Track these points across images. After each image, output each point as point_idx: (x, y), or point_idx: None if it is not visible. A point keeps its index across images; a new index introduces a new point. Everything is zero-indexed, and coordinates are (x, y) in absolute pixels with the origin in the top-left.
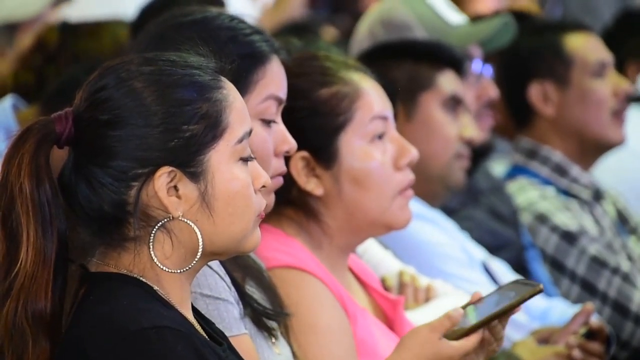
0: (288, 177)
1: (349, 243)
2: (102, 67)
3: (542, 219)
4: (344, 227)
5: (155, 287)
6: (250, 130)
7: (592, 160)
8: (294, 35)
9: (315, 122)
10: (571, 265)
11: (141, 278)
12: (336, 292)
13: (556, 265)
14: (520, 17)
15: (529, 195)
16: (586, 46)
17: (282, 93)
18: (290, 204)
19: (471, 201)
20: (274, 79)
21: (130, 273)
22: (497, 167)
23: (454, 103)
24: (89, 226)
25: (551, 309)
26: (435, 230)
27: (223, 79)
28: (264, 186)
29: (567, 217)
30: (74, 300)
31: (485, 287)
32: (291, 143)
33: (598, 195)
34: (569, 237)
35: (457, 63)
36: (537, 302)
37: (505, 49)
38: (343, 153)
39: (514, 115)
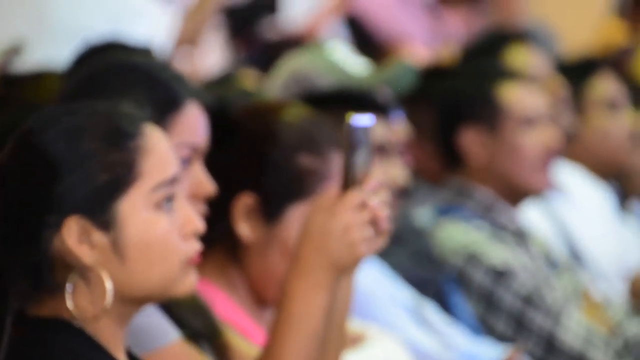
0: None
1: None
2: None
3: (473, 261)
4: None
5: (87, 331)
6: (175, 176)
7: (518, 203)
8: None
9: None
10: (506, 306)
11: (73, 322)
12: None
13: (490, 307)
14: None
15: (459, 238)
16: (519, 96)
17: (198, 139)
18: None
19: (391, 244)
20: (188, 125)
21: (62, 317)
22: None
23: (381, 149)
24: (18, 271)
25: (478, 349)
26: (363, 274)
27: (145, 125)
28: (195, 231)
29: (501, 253)
30: (6, 343)
31: (413, 329)
32: (209, 187)
33: (524, 233)
34: (502, 278)
35: (382, 109)
36: (464, 342)
37: (440, 92)
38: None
39: (444, 157)
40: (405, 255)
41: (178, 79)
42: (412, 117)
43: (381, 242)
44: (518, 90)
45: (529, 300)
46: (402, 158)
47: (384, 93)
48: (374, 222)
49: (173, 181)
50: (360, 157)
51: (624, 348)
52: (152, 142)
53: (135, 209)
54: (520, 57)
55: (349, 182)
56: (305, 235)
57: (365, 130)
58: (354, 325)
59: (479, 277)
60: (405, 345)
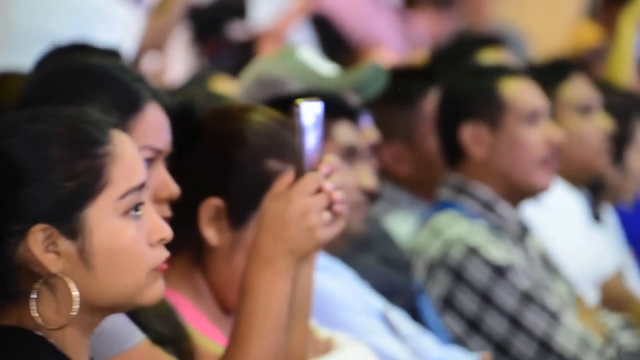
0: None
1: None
2: None
3: (473, 252)
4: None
5: (51, 340)
6: (143, 183)
7: (519, 202)
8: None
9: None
10: (500, 300)
11: (37, 331)
12: None
13: (485, 300)
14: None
15: (459, 228)
16: (521, 92)
17: (160, 142)
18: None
19: (360, 249)
20: (150, 128)
21: (26, 327)
22: (400, 221)
23: (351, 153)
24: None
25: (449, 358)
26: (333, 280)
27: (113, 132)
28: (162, 239)
29: (498, 250)
30: None
31: (385, 337)
32: (171, 189)
33: (525, 232)
34: (500, 271)
35: (351, 112)
36: (435, 350)
37: (441, 89)
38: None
39: (445, 153)
40: (374, 260)
41: (138, 80)
42: (383, 119)
43: (338, 227)
44: (520, 86)
45: (526, 297)
46: (371, 162)
47: (352, 97)
48: (330, 207)
49: (141, 188)
50: (311, 143)
51: (617, 356)
52: (120, 149)
53: (102, 217)
54: (492, 61)
55: (301, 168)
56: (262, 225)
57: (314, 116)
58: (323, 332)
59: (477, 270)
60: (374, 353)
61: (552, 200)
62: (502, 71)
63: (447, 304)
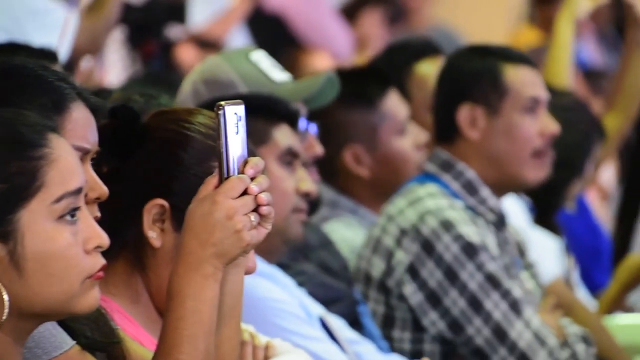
0: None
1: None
2: None
3: (447, 225)
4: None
5: None
6: (80, 188)
7: (503, 191)
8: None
9: None
10: (465, 277)
11: None
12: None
13: (449, 275)
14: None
15: (438, 201)
16: (524, 80)
17: (87, 142)
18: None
19: (301, 256)
20: (75, 128)
21: None
22: (341, 228)
23: (290, 157)
24: None
25: None
26: (273, 286)
27: (51, 136)
28: (99, 246)
29: (472, 230)
30: None
31: (325, 344)
32: (101, 189)
33: (502, 221)
34: (470, 249)
35: (291, 117)
36: (376, 358)
37: (443, 67)
38: None
39: (437, 130)
40: (314, 267)
41: (62, 80)
42: (343, 121)
43: (265, 229)
44: (523, 73)
45: (491, 280)
46: (313, 172)
47: (297, 104)
48: (256, 209)
49: (78, 193)
50: (235, 145)
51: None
52: (57, 153)
53: (36, 220)
54: (431, 70)
55: (226, 170)
56: (188, 228)
57: (238, 118)
58: (262, 338)
59: (447, 243)
60: (313, 359)
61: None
62: (507, 56)
63: (411, 272)
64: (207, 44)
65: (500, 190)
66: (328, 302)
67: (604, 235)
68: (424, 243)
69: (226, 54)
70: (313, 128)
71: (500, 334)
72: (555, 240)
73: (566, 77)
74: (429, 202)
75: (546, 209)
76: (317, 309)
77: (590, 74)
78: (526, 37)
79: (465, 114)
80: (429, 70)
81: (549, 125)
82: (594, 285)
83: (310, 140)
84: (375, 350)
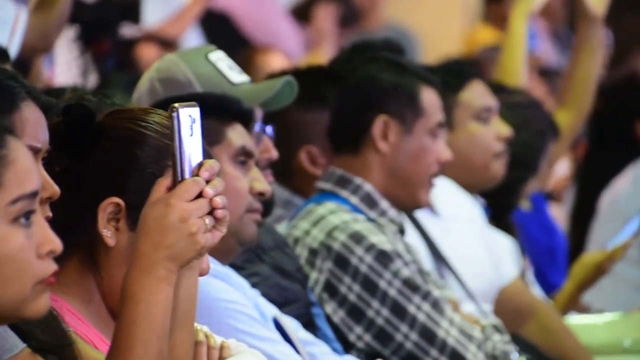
0: None
1: None
2: None
3: (356, 237)
4: None
5: None
6: (36, 192)
7: (399, 207)
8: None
9: None
10: (384, 286)
11: None
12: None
13: (368, 286)
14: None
15: (341, 217)
16: (435, 104)
17: (38, 141)
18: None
19: (255, 257)
20: (26, 127)
21: None
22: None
23: (244, 156)
24: None
25: None
26: (227, 287)
27: (9, 137)
28: (52, 251)
29: (382, 239)
30: None
31: (279, 345)
32: (52, 189)
33: (403, 231)
34: (384, 257)
35: (245, 116)
36: (328, 359)
37: (359, 75)
38: None
39: (345, 137)
40: (268, 268)
41: (12, 78)
42: (299, 121)
43: (220, 233)
44: (434, 96)
45: (409, 284)
46: (267, 173)
47: (251, 105)
48: (211, 212)
49: (34, 196)
50: (190, 147)
51: (492, 352)
52: (14, 155)
53: None
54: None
55: (180, 172)
56: (141, 231)
57: (193, 119)
58: (217, 339)
59: (360, 255)
60: None
61: (450, 209)
62: (425, 77)
63: (329, 290)
64: (167, 42)
65: (395, 204)
66: (282, 304)
67: (559, 235)
68: (336, 259)
69: (184, 53)
70: (269, 130)
71: (428, 335)
72: (510, 240)
73: (520, 74)
74: (333, 219)
75: (501, 208)
76: (272, 310)
77: (544, 73)
78: (481, 36)
79: (379, 125)
80: None
81: (445, 151)
82: (548, 285)
83: (266, 143)
84: (330, 352)
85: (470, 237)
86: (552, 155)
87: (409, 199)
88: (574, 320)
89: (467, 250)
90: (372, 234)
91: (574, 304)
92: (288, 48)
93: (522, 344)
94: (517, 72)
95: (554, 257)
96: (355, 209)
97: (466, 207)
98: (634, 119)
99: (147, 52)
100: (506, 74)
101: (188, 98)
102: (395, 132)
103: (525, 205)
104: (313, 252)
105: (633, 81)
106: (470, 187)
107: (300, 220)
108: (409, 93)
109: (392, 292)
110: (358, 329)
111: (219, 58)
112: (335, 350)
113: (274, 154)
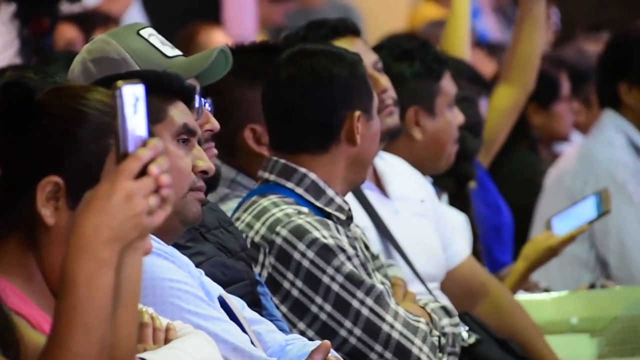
0: None
1: None
2: None
3: (299, 232)
4: None
5: None
6: None
7: (348, 191)
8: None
9: None
10: (327, 281)
11: None
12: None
13: (311, 281)
14: None
15: (285, 210)
16: (371, 81)
17: None
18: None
19: (199, 237)
20: None
21: None
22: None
23: (187, 134)
24: None
25: (289, 345)
26: (172, 266)
27: None
28: None
29: (325, 233)
30: None
31: (225, 324)
32: None
33: (350, 218)
34: (327, 252)
35: (187, 94)
36: (276, 338)
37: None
38: None
39: (312, 138)
40: (213, 247)
41: None
42: (245, 99)
43: (165, 212)
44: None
45: (352, 277)
46: (210, 149)
47: (191, 81)
48: (156, 191)
49: None
50: (134, 126)
51: (439, 342)
52: None
53: None
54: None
55: (124, 151)
56: (83, 210)
57: (137, 97)
58: (162, 321)
59: (301, 249)
60: (215, 339)
61: (399, 189)
62: (358, 59)
63: (272, 286)
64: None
65: (349, 188)
66: (227, 283)
67: (505, 212)
68: (279, 254)
69: (114, 32)
70: (208, 104)
71: (372, 330)
72: (463, 217)
73: (464, 50)
74: (276, 212)
75: (460, 183)
76: (217, 289)
77: (488, 47)
78: (424, 12)
79: (351, 122)
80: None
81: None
82: (495, 263)
83: (206, 115)
84: (276, 330)
85: (419, 218)
86: (499, 130)
87: (361, 178)
88: (521, 298)
89: (416, 231)
90: (314, 229)
91: (522, 284)
92: (237, 25)
93: (473, 323)
94: (460, 48)
95: (501, 235)
96: (301, 200)
97: (417, 187)
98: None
99: (67, 32)
100: (450, 50)
101: (128, 76)
102: (363, 123)
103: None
104: (255, 247)
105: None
106: (431, 171)
107: (244, 213)
108: (363, 80)
109: (335, 287)
110: (301, 325)
111: (151, 34)
112: (280, 328)
113: (215, 125)
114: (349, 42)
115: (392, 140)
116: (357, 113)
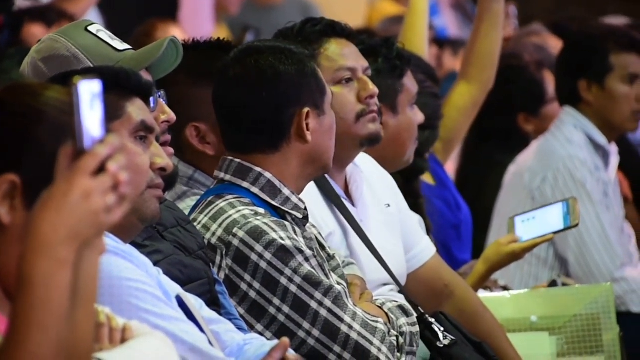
0: None
1: None
2: None
3: (256, 234)
4: None
5: None
6: None
7: (305, 186)
8: None
9: None
10: (284, 282)
11: None
12: None
13: (268, 283)
14: None
15: (241, 212)
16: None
17: None
18: None
19: (156, 235)
20: None
21: None
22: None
23: (145, 131)
24: None
25: (248, 345)
26: (130, 265)
27: None
28: None
29: (282, 234)
30: None
31: (183, 323)
32: None
33: (306, 217)
34: (284, 253)
35: (144, 90)
36: (234, 337)
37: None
38: None
39: (261, 138)
40: (170, 246)
41: None
42: (190, 97)
43: (123, 210)
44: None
45: (310, 278)
46: (167, 145)
47: (145, 75)
48: (114, 188)
49: None
50: (91, 122)
51: (397, 342)
52: None
53: None
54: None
55: (81, 148)
56: (39, 208)
57: (94, 94)
58: (119, 321)
59: (259, 251)
60: (172, 339)
61: (367, 195)
62: (310, 55)
63: (229, 288)
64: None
65: (307, 182)
66: (185, 282)
67: (464, 210)
68: (236, 256)
69: (61, 30)
70: (162, 96)
71: (330, 331)
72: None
73: (422, 49)
74: (233, 214)
75: (408, 176)
76: (175, 288)
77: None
78: (383, 9)
79: (300, 119)
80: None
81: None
82: (454, 261)
83: (162, 106)
84: (234, 329)
85: (383, 225)
86: (455, 128)
87: (319, 172)
88: (481, 296)
89: (378, 240)
90: (271, 230)
91: (482, 285)
92: (194, 22)
93: (448, 324)
94: (419, 46)
95: (459, 233)
96: (257, 200)
97: (384, 191)
98: (516, 111)
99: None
100: (408, 47)
101: (85, 72)
102: (313, 119)
103: (429, 179)
104: (212, 248)
105: (512, 68)
106: (391, 169)
107: (200, 214)
108: (312, 76)
109: (293, 289)
110: (259, 326)
111: (99, 29)
112: (239, 327)
113: (172, 116)
114: (342, 44)
115: (370, 147)
116: (306, 110)
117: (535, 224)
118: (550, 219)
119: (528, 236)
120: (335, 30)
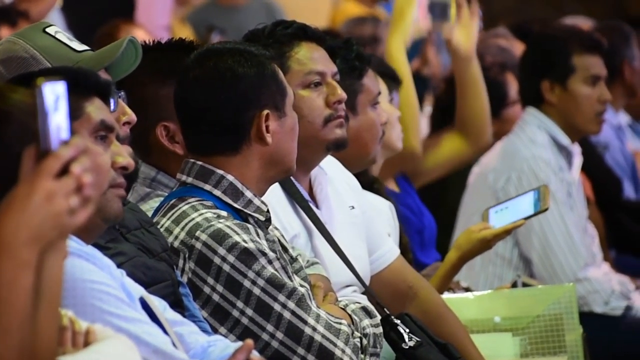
0: None
1: None
2: None
3: (219, 237)
4: None
5: None
6: None
7: (267, 188)
8: None
9: None
10: (248, 285)
11: None
12: None
13: (232, 286)
14: None
15: (204, 215)
16: (290, 79)
17: None
18: None
19: (119, 237)
20: None
21: None
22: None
23: (105, 131)
24: None
25: (212, 347)
26: (92, 267)
27: None
28: None
29: (245, 237)
30: None
31: (146, 325)
32: None
33: (269, 220)
34: (247, 256)
35: (103, 90)
36: (198, 339)
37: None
38: None
39: (221, 140)
40: (133, 247)
41: None
42: (158, 96)
43: (87, 212)
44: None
45: (273, 281)
46: (127, 141)
47: (103, 74)
48: (78, 190)
49: None
50: (55, 124)
51: (361, 343)
52: None
53: None
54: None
55: (45, 150)
56: (2, 210)
57: (57, 95)
58: (82, 324)
59: (222, 254)
60: (136, 342)
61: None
62: (267, 56)
63: (192, 291)
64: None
65: (269, 184)
66: (149, 284)
67: (427, 216)
68: (199, 259)
69: (19, 32)
70: (122, 97)
71: (294, 333)
72: (387, 203)
73: (403, 51)
74: (195, 217)
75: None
76: (138, 290)
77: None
78: (347, 10)
79: (260, 121)
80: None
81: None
82: (418, 266)
83: (122, 107)
84: (198, 331)
85: (347, 227)
86: (431, 171)
87: (281, 175)
88: (444, 297)
89: (342, 242)
90: (234, 233)
91: (455, 273)
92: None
93: (414, 325)
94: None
95: (423, 237)
96: (219, 203)
97: (348, 193)
98: None
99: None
100: (391, 51)
101: (43, 73)
102: (273, 121)
103: (393, 187)
104: (175, 252)
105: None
106: (355, 169)
107: (163, 217)
108: (272, 77)
109: (257, 291)
110: (223, 330)
111: (57, 31)
112: (202, 329)
113: (132, 117)
114: (312, 47)
115: (336, 152)
116: (265, 112)
117: (508, 213)
118: (521, 206)
119: (500, 224)
120: (307, 33)
